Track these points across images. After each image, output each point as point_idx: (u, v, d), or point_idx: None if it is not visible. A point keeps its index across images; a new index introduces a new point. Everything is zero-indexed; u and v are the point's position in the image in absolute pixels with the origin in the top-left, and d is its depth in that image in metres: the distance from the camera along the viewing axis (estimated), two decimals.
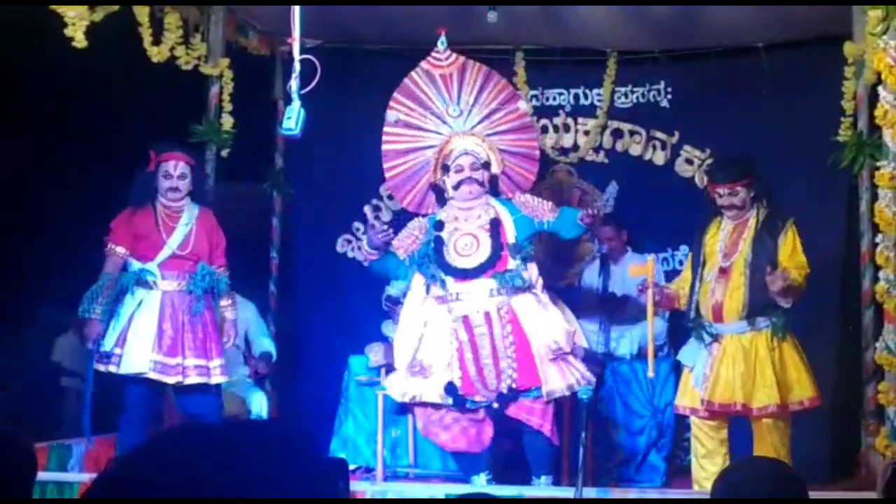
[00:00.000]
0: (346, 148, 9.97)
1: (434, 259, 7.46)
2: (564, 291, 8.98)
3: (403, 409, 8.25)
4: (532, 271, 7.48)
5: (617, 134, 10.01)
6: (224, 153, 9.11)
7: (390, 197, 10.12)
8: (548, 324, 7.37)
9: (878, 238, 6.57)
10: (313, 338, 9.90)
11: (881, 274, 6.58)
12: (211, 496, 1.36)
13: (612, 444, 8.63)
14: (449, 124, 7.89)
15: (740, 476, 2.85)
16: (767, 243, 7.23)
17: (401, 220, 10.00)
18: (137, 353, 7.45)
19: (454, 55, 8.01)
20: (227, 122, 9.15)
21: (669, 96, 9.90)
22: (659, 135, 9.90)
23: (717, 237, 7.46)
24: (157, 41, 8.37)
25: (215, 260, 7.78)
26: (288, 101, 6.20)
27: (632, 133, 9.97)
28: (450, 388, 7.27)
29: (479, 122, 7.87)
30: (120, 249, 7.54)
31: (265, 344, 9.11)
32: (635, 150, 9.95)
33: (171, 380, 7.50)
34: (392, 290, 9.00)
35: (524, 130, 8.05)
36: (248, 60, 9.57)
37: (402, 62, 9.92)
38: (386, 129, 8.05)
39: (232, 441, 1.44)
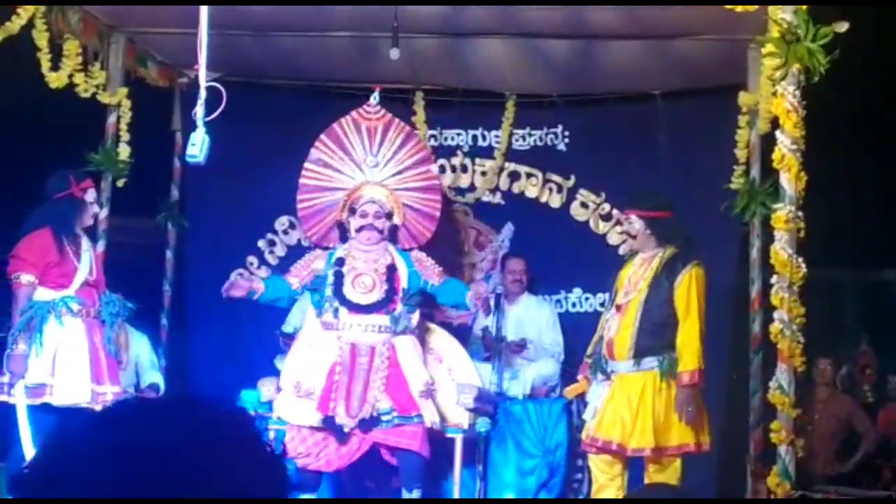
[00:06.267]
0: (241, 182, 9.95)
1: (332, 290, 7.91)
2: (458, 330, 9.03)
3: None
4: (415, 318, 8.03)
5: (514, 176, 10.09)
6: (120, 183, 9.02)
7: (285, 232, 10.14)
8: (418, 367, 7.91)
9: (774, 279, 6.68)
10: (205, 371, 9.81)
11: (776, 314, 6.68)
12: (164, 470, 1.36)
13: (503, 484, 8.65)
14: (363, 172, 8.28)
15: (650, 495, 2.89)
16: (663, 285, 7.24)
17: (295, 254, 10.03)
18: (74, 383, 7.26)
19: (383, 112, 8.46)
20: (124, 151, 9.05)
21: (566, 140, 10.02)
22: (555, 178, 10.01)
23: (626, 273, 7.53)
24: (55, 67, 8.28)
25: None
26: (190, 129, 6.17)
27: (528, 175, 10.06)
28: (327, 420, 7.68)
29: (392, 176, 8.29)
30: (28, 278, 7.23)
31: (153, 377, 9.08)
32: (531, 192, 10.04)
33: (99, 407, 7.34)
34: (287, 326, 8.99)
35: (430, 191, 8.44)
36: (148, 92, 9.50)
37: (302, 98, 9.99)
38: (306, 165, 8.41)
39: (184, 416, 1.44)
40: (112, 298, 7.56)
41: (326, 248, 8.23)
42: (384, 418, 7.60)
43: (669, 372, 7.14)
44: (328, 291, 7.91)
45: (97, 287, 7.56)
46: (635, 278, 7.42)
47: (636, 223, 7.46)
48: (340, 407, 7.59)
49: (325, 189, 8.32)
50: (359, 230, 8.04)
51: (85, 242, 7.61)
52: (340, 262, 8.00)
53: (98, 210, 7.78)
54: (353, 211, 8.11)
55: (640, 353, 7.19)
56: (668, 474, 7.21)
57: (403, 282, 7.96)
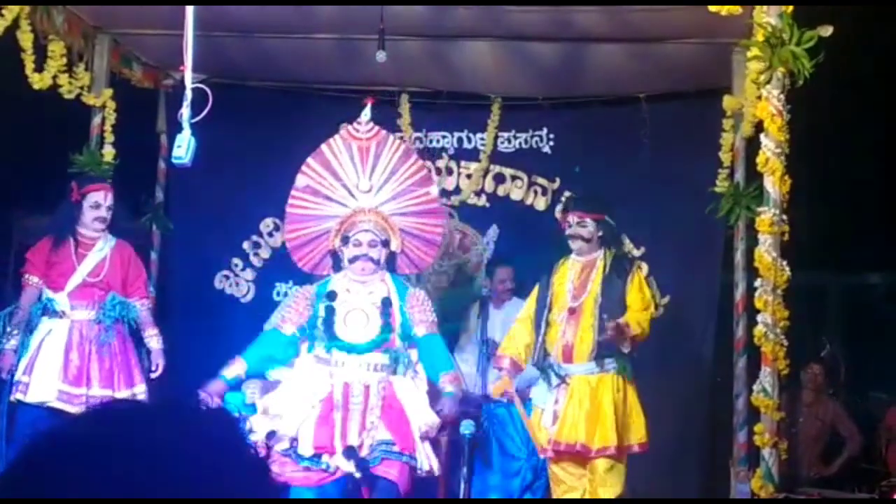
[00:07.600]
0: (226, 184, 9.95)
1: (324, 328, 7.32)
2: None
3: None
4: (413, 355, 7.39)
5: (499, 178, 10.10)
6: None
7: (270, 234, 10.12)
8: (421, 406, 7.24)
9: (758, 282, 6.71)
10: (189, 373, 9.76)
11: (759, 317, 6.70)
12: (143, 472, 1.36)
13: (488, 486, 8.65)
14: (356, 198, 7.60)
15: None
16: (616, 284, 7.36)
17: (280, 256, 10.02)
18: (44, 382, 7.45)
19: (376, 128, 7.67)
20: (109, 153, 9.03)
21: (552, 142, 10.03)
22: (540, 180, 10.02)
23: (565, 277, 7.54)
24: (39, 68, 8.26)
25: (133, 292, 7.88)
26: (174, 131, 6.17)
27: (514, 178, 10.07)
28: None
29: (388, 201, 7.61)
30: (34, 279, 7.59)
31: None
32: (517, 194, 10.05)
33: (74, 409, 7.40)
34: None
35: (431, 215, 7.79)
36: (132, 93, 9.48)
37: (287, 100, 9.99)
38: (293, 192, 7.68)
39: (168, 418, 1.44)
40: (116, 301, 7.68)
41: (321, 277, 7.66)
42: (382, 448, 6.97)
43: (625, 370, 7.23)
44: (319, 327, 7.31)
45: (105, 289, 7.66)
46: (579, 282, 7.48)
47: (590, 226, 7.52)
48: (338, 442, 7.01)
49: (314, 217, 7.65)
50: (352, 260, 7.41)
51: (101, 243, 7.72)
52: (332, 295, 7.41)
53: (105, 214, 7.76)
54: (345, 240, 7.46)
55: (601, 355, 7.26)
56: (616, 475, 7.27)
57: (398, 317, 7.39)
